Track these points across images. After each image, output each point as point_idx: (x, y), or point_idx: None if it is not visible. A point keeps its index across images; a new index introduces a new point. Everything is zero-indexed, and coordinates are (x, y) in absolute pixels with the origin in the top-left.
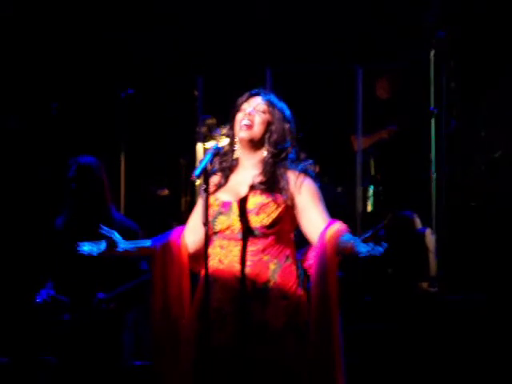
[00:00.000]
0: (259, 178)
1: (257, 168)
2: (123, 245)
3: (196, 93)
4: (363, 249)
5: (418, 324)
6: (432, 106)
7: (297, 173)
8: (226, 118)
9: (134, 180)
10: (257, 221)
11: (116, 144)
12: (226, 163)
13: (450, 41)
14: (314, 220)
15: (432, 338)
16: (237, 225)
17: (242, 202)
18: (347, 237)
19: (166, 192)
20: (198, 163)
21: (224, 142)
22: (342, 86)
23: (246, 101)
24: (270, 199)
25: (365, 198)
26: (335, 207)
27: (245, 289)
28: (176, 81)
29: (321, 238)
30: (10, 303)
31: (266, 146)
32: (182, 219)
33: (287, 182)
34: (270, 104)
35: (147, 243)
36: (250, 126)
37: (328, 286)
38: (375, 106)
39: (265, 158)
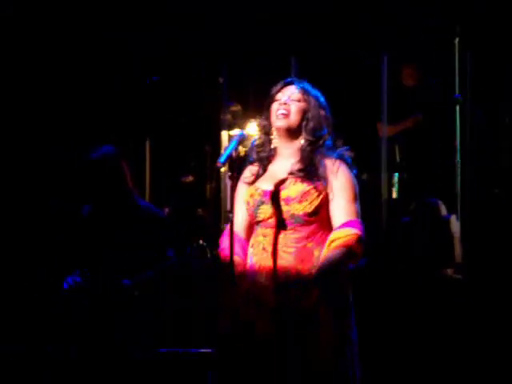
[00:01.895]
0: (298, 166)
1: (295, 156)
2: None
3: (221, 79)
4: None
5: (443, 310)
6: (457, 93)
7: (333, 159)
8: (251, 105)
9: (159, 167)
10: (299, 208)
11: (141, 131)
12: (263, 153)
13: (475, 28)
14: (336, 212)
15: (457, 324)
16: (279, 213)
17: (284, 191)
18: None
19: (190, 179)
20: (222, 150)
21: (249, 129)
22: (368, 73)
23: (280, 90)
24: (311, 187)
25: (390, 185)
26: (360, 194)
27: (289, 276)
28: (201, 67)
29: (327, 244)
30: (36, 291)
31: (303, 134)
32: (208, 206)
33: (325, 169)
34: (305, 92)
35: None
36: (286, 115)
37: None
38: (401, 94)
39: (302, 146)
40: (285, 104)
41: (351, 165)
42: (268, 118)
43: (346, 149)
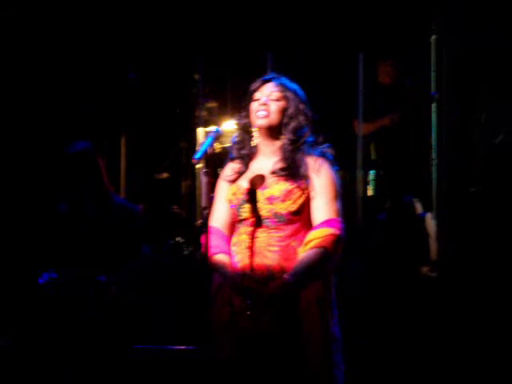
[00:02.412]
0: (280, 165)
1: (276, 154)
2: None
3: (197, 76)
4: None
5: (418, 308)
6: (433, 90)
7: (315, 157)
8: (227, 101)
9: (134, 164)
10: (283, 207)
11: (116, 127)
12: (244, 150)
13: (451, 25)
14: (317, 210)
15: (432, 322)
16: (262, 212)
17: (267, 190)
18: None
19: (165, 175)
20: (198, 146)
21: (225, 125)
22: (344, 70)
23: (258, 89)
24: (294, 185)
25: (365, 183)
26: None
27: (274, 274)
28: (177, 64)
29: (303, 244)
30: (13, 287)
31: (285, 132)
32: (183, 203)
33: (307, 168)
34: (284, 89)
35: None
36: (266, 115)
37: None
38: (378, 91)
39: (284, 144)
40: (264, 104)
41: (333, 162)
42: (247, 116)
43: (327, 146)
